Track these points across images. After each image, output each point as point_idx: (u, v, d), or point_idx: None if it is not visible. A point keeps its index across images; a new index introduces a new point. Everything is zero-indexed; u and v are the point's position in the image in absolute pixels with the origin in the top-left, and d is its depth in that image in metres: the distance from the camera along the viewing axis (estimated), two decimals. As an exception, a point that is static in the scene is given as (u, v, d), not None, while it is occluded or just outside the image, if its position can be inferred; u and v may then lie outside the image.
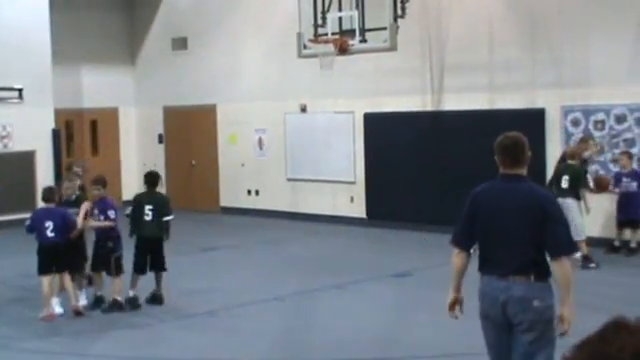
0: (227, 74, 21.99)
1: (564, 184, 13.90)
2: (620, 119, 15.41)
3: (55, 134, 21.58)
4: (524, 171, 6.38)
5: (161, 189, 12.37)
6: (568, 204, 13.41)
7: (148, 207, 11.83)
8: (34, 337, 10.70)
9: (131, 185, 24.38)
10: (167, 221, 11.94)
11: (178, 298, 12.31)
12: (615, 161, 15.34)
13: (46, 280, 11.29)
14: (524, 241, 6.21)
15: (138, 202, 12.09)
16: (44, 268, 11.34)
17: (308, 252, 16.26)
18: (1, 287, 13.61)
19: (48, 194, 11.57)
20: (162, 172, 23.67)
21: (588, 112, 15.74)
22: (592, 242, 14.33)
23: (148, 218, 11.77)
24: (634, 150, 15.28)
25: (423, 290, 12.92)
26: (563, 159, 14.52)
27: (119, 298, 11.64)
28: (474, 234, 6.51)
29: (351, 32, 15.62)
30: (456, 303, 6.78)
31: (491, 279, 6.36)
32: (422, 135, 17.85)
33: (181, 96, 23.06)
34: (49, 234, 11.24)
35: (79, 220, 11.58)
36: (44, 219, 11.35)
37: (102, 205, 11.77)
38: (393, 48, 15.32)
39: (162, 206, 11.96)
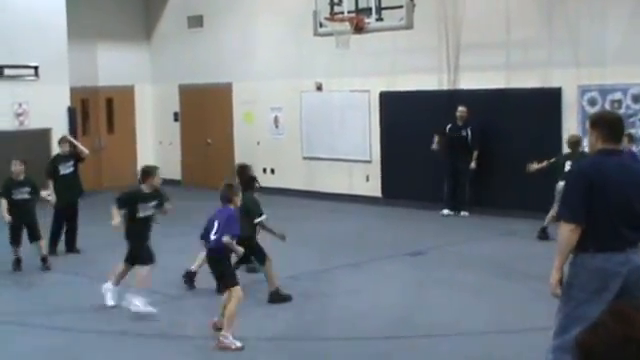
0: (243, 52, 21.97)
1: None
2: (637, 98, 15.33)
3: (71, 112, 21.62)
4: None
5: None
6: None
7: None
8: (48, 313, 10.80)
9: (147, 163, 24.43)
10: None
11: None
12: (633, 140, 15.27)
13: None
14: (638, 213, 6.52)
15: None
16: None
17: (323, 231, 16.28)
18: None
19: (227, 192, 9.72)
20: (177, 150, 23.79)
21: (605, 91, 15.66)
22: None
23: None
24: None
25: (438, 269, 12.95)
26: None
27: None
28: (589, 210, 6.48)
29: (367, 10, 15.57)
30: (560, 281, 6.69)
31: (609, 255, 6.46)
32: (438, 114, 17.78)
33: (197, 74, 23.05)
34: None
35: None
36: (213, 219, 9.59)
37: None
38: (409, 26, 15.26)
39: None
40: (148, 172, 11.17)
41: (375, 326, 10.00)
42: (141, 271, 10.68)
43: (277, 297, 11.09)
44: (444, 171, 17.61)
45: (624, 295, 6.42)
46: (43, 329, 10.27)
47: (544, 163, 14.73)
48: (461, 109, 17.38)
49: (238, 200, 9.68)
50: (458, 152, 17.37)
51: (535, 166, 14.71)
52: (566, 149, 15.60)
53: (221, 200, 9.58)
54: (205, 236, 9.51)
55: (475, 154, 17.28)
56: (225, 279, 9.36)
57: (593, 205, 6.43)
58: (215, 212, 9.56)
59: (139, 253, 10.75)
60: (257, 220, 11.44)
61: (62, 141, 15.31)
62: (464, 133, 17.39)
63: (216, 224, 9.33)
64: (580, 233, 6.46)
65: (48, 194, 14.13)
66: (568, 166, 14.08)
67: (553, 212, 14.05)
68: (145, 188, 11.01)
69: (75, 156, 15.09)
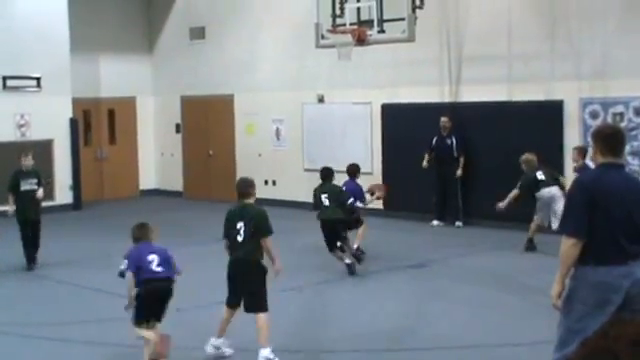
0: (245, 64, 21.99)
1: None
2: (639, 111, 15.32)
3: (73, 123, 21.65)
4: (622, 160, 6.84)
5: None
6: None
7: (324, 196, 13.62)
8: (49, 324, 10.77)
9: (148, 174, 24.47)
10: (350, 204, 13.77)
11: (192, 288, 12.33)
12: (633, 154, 15.27)
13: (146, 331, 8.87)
14: (638, 226, 6.51)
15: (316, 192, 13.88)
16: (145, 313, 8.88)
17: (324, 242, 16.25)
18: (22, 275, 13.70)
19: (140, 232, 9.11)
20: (179, 162, 23.78)
21: (607, 104, 15.66)
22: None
23: (326, 204, 13.59)
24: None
25: (439, 281, 12.93)
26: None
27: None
28: (590, 224, 6.47)
29: (369, 22, 15.59)
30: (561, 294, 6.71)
31: (611, 268, 6.44)
32: (440, 126, 17.79)
33: (199, 86, 23.08)
34: (155, 268, 8.78)
35: None
36: (144, 254, 8.84)
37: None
38: (411, 39, 15.27)
39: (336, 194, 13.72)
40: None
41: (376, 338, 9.97)
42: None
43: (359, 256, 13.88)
44: (433, 182, 17.75)
45: (626, 308, 6.40)
46: (44, 340, 10.25)
47: (511, 194, 14.82)
48: (443, 119, 17.74)
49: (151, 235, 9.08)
50: (445, 162, 17.70)
51: (501, 205, 14.90)
52: (568, 162, 15.63)
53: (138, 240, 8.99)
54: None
55: (461, 161, 17.58)
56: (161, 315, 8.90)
57: (594, 219, 6.43)
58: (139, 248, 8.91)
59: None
60: (350, 202, 13.85)
61: (25, 154, 14.76)
62: (449, 142, 17.74)
63: (158, 258, 8.79)
64: (581, 247, 6.46)
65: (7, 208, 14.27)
66: (541, 175, 14.60)
67: (538, 221, 14.59)
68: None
69: (39, 175, 14.76)
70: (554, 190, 14.42)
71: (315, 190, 13.93)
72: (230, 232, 9.24)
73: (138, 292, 8.70)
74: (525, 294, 11.75)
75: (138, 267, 8.67)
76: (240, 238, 9.12)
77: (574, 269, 6.59)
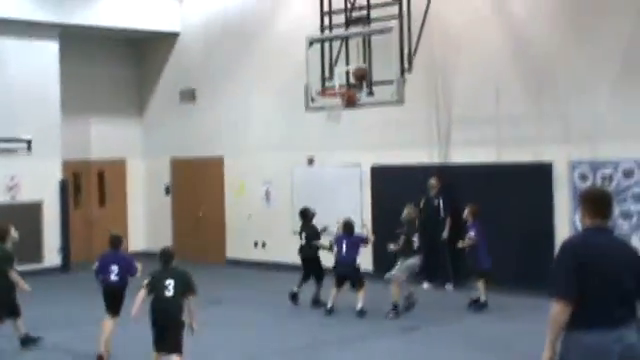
0: (235, 126, 22.06)
1: None
2: (628, 174, 15.34)
3: (62, 185, 21.62)
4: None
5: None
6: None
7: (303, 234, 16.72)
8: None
9: (137, 236, 24.39)
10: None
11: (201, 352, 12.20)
12: (623, 216, 15.26)
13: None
14: (631, 290, 6.45)
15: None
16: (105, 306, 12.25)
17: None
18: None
19: (114, 242, 12.47)
20: (168, 224, 23.72)
21: (596, 166, 15.69)
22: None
23: (303, 242, 16.62)
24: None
25: (430, 346, 12.82)
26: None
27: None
28: (579, 288, 6.41)
29: (359, 85, 15.66)
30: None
31: (601, 333, 6.34)
32: (427, 186, 17.80)
33: (189, 147, 23.12)
34: (112, 277, 12.08)
35: None
36: (109, 263, 12.18)
37: None
38: (400, 101, 15.34)
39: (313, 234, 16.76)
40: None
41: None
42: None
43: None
44: (421, 243, 17.55)
45: None
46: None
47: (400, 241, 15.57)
48: (432, 181, 17.80)
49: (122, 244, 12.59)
50: (433, 223, 17.54)
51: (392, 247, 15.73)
52: (558, 224, 15.64)
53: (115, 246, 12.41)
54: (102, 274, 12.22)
55: (448, 223, 17.54)
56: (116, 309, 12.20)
57: (584, 283, 6.38)
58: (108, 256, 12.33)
59: None
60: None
61: None
62: (436, 203, 17.74)
63: (117, 268, 12.05)
64: (571, 310, 6.41)
65: None
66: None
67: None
68: None
69: None
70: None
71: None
72: (158, 287, 10.31)
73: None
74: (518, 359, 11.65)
75: (101, 272, 12.20)
76: (169, 293, 10.24)
77: (564, 333, 6.53)
